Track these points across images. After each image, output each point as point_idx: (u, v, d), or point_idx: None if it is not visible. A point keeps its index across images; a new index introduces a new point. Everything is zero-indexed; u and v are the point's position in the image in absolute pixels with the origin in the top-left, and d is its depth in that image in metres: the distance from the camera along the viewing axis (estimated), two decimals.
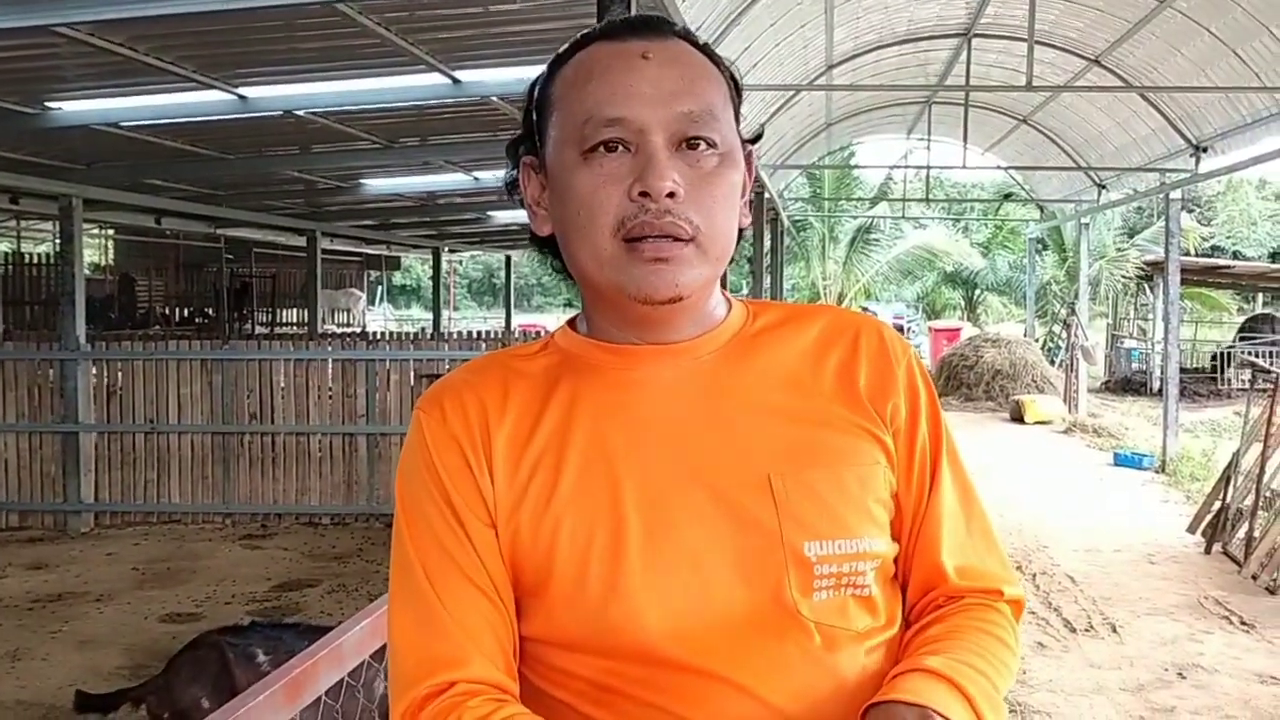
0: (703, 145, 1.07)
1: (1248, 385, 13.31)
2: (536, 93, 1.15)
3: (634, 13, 4.35)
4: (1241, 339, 21.65)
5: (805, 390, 1.14)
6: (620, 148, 1.06)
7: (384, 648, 1.95)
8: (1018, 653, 1.15)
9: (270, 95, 7.68)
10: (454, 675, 1.05)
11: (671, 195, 1.04)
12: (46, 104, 7.69)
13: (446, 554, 1.09)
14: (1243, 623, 6.38)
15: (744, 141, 1.14)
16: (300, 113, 8.14)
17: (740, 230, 1.13)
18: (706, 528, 1.06)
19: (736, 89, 1.14)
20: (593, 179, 1.06)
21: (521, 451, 1.10)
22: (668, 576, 1.05)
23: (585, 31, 1.14)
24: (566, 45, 1.14)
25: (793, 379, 1.14)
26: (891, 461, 1.14)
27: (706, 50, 1.13)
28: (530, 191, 1.16)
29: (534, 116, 1.15)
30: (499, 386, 1.14)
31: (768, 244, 16.70)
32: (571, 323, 1.20)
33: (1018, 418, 16.28)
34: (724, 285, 1.21)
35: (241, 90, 7.41)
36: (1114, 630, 6.27)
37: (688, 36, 1.13)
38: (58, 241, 16.81)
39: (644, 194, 1.04)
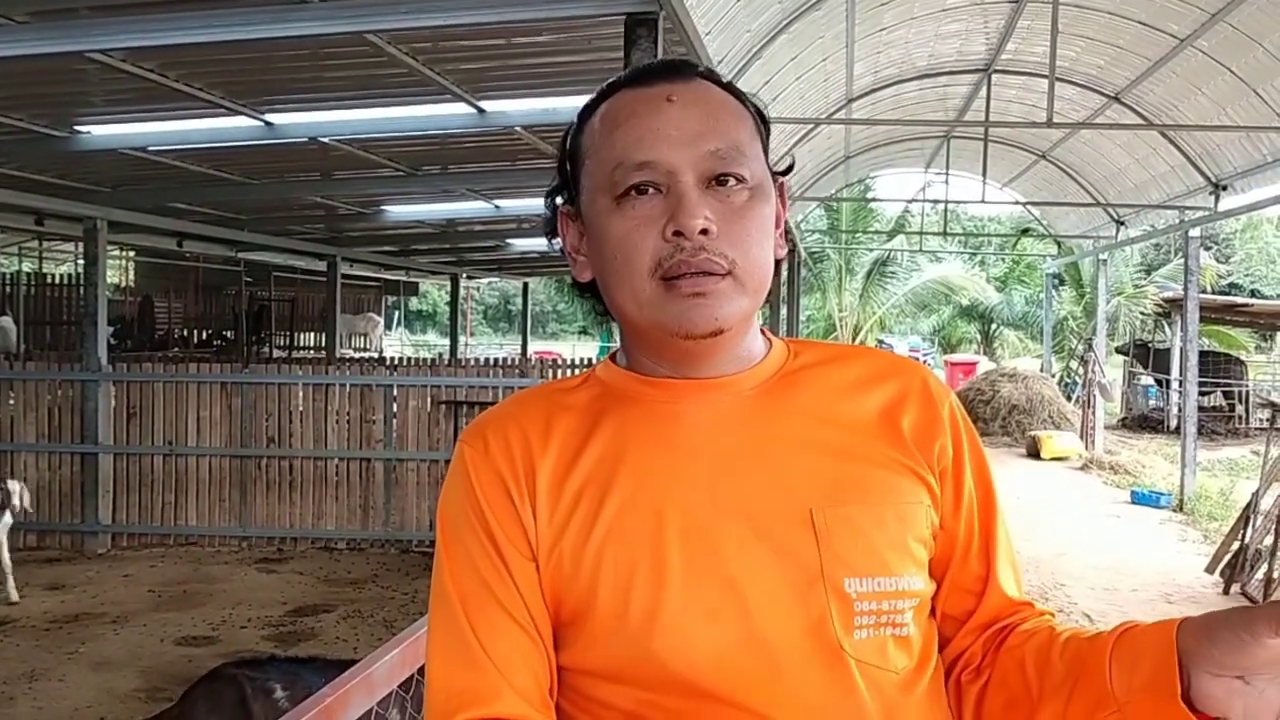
0: (732, 181, 1.07)
1: (1266, 424, 13.24)
2: (568, 144, 1.16)
3: (660, 47, 4.39)
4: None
5: (847, 426, 1.13)
6: (651, 190, 1.07)
7: (411, 679, 1.96)
8: None
9: (296, 122, 7.75)
10: (484, 711, 1.05)
11: (705, 232, 1.05)
12: (76, 127, 7.77)
13: (485, 585, 1.08)
14: None
15: (774, 174, 1.14)
16: (325, 139, 8.22)
17: (777, 261, 1.13)
18: (749, 561, 1.06)
19: (763, 122, 1.15)
20: (626, 223, 1.07)
21: (564, 483, 1.10)
22: (710, 609, 1.04)
23: (610, 80, 1.15)
24: (593, 95, 1.16)
25: (834, 415, 1.14)
26: (935, 501, 1.13)
27: (730, 88, 1.14)
28: (569, 240, 1.17)
29: (567, 167, 1.16)
30: (542, 419, 1.14)
31: (784, 275, 16.71)
32: (613, 356, 1.21)
33: (1034, 453, 16.21)
34: None
35: (268, 116, 7.48)
36: None
37: (710, 76, 1.13)
38: (79, 262, 16.93)
39: (678, 233, 1.04)
